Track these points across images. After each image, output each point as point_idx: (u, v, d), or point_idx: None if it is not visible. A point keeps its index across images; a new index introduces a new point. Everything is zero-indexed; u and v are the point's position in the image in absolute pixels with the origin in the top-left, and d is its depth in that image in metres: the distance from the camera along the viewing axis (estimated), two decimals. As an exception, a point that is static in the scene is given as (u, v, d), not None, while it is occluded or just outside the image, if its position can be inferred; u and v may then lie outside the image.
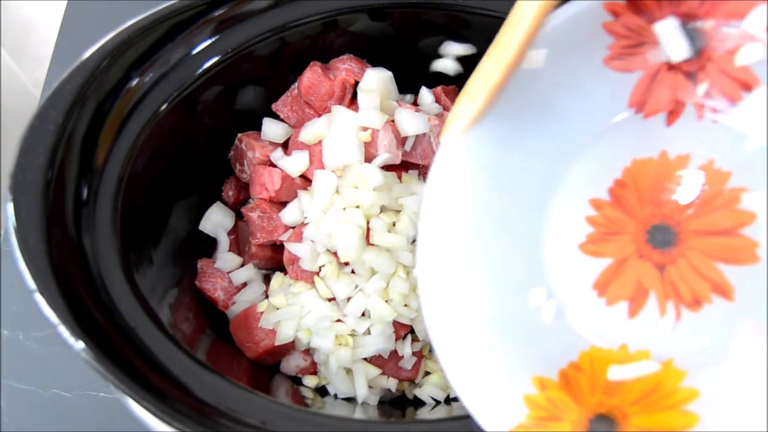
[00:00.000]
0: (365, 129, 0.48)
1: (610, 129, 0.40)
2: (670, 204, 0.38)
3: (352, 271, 0.48)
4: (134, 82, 0.44)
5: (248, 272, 0.50)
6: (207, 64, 0.47)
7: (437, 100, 0.52)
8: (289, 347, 0.48)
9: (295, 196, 0.49)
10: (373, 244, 0.47)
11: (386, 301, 0.47)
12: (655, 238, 0.38)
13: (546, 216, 0.40)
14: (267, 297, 0.50)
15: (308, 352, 0.49)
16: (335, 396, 0.48)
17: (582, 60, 0.39)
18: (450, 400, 0.49)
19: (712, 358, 0.35)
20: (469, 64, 0.53)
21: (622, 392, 0.35)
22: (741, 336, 0.35)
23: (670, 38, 0.37)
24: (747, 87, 0.37)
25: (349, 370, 0.48)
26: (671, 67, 0.38)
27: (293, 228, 0.49)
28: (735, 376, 0.35)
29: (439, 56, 0.52)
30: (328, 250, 0.47)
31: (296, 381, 0.49)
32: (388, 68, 0.51)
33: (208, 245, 0.52)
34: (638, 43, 0.38)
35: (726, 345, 0.35)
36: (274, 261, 0.50)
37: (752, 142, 0.37)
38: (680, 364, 0.36)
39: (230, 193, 0.53)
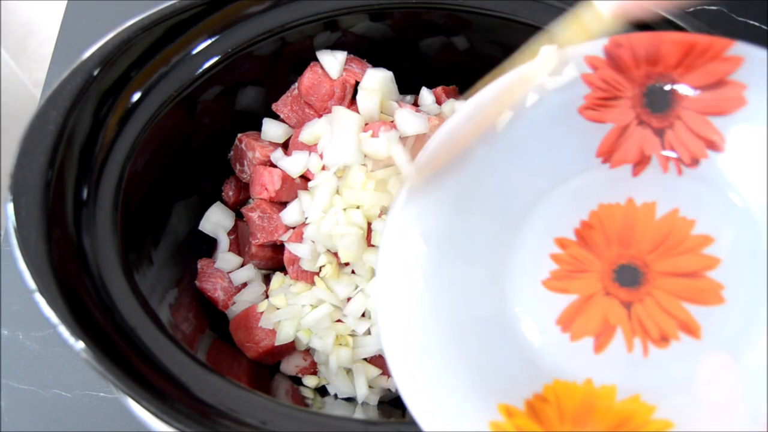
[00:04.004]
0: (366, 129, 0.48)
1: (577, 174, 0.41)
2: (637, 246, 0.39)
3: (353, 272, 0.48)
4: (134, 82, 0.44)
5: (248, 272, 0.50)
6: (207, 64, 0.46)
7: (438, 101, 0.52)
8: (289, 347, 0.48)
9: (296, 196, 0.49)
10: (374, 245, 0.47)
11: (386, 301, 0.47)
12: (622, 277, 0.39)
13: (510, 251, 0.40)
14: (267, 297, 0.50)
15: (308, 352, 0.49)
16: (335, 396, 0.48)
17: (558, 106, 0.41)
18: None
19: (680, 391, 0.36)
20: (467, 60, 0.53)
21: (592, 423, 0.36)
22: (708, 370, 0.36)
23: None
24: (712, 146, 0.39)
25: (349, 370, 0.48)
26: (641, 122, 0.40)
27: (293, 228, 0.49)
28: (704, 407, 0.35)
29: (439, 56, 0.52)
30: (328, 251, 0.47)
31: (296, 381, 0.49)
32: (389, 68, 0.51)
33: (208, 245, 0.52)
34: (613, 97, 0.40)
35: (694, 379, 0.36)
36: (274, 261, 0.50)
37: (716, 195, 0.39)
38: (648, 399, 0.36)
39: (230, 193, 0.53)
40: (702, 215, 0.39)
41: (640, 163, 0.40)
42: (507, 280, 0.40)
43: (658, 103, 0.40)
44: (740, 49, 0.38)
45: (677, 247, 0.38)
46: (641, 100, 0.40)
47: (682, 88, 0.39)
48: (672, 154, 0.40)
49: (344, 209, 0.47)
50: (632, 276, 0.39)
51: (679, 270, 0.38)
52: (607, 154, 0.41)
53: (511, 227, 0.41)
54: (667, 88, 0.39)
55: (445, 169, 0.40)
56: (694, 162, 0.39)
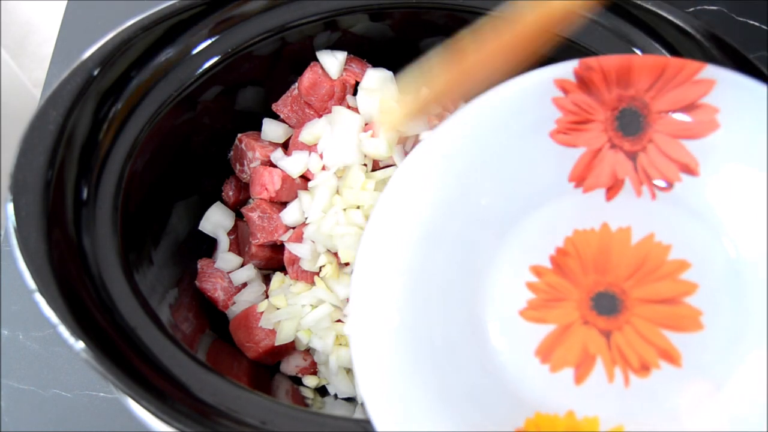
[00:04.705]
0: (366, 129, 0.48)
1: (550, 199, 0.40)
2: (614, 273, 0.39)
3: (353, 272, 0.48)
4: (134, 82, 0.44)
5: (248, 272, 0.50)
6: (207, 64, 0.46)
7: (437, 100, 0.52)
8: (289, 347, 0.48)
9: (296, 196, 0.49)
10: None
11: (386, 301, 0.47)
12: (600, 305, 0.38)
13: (485, 281, 0.40)
14: (267, 297, 0.50)
15: (308, 352, 0.49)
16: (335, 396, 0.48)
17: (529, 130, 0.40)
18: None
19: (663, 421, 0.35)
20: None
21: None
22: (691, 399, 0.36)
23: None
24: (686, 169, 0.39)
25: (349, 370, 0.48)
26: (613, 145, 0.40)
27: (293, 228, 0.49)
28: None
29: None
30: (328, 251, 0.47)
31: (296, 381, 0.49)
32: (389, 68, 0.51)
33: (208, 245, 0.52)
34: (585, 120, 0.40)
35: (677, 409, 0.36)
36: (274, 261, 0.50)
37: (691, 219, 0.39)
38: (631, 429, 0.35)
39: (230, 193, 0.53)
40: (678, 240, 0.38)
41: (614, 187, 0.40)
42: (484, 311, 0.39)
43: (630, 126, 0.40)
44: (712, 72, 0.38)
45: (654, 273, 0.38)
46: (613, 124, 0.40)
47: (654, 112, 0.39)
48: (645, 179, 0.40)
49: (344, 209, 0.47)
50: (610, 304, 0.38)
51: (657, 296, 0.38)
52: (580, 179, 0.40)
53: (484, 256, 0.40)
54: (639, 111, 0.39)
55: (413, 197, 0.39)
56: (669, 186, 0.39)
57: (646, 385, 0.36)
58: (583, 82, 0.39)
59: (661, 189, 0.39)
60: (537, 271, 0.39)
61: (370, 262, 0.38)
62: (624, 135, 0.40)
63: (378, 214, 0.39)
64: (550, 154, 0.40)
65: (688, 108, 0.38)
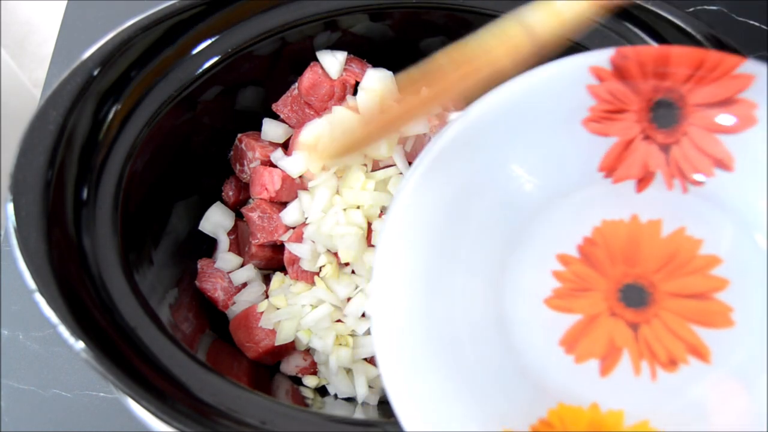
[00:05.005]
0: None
1: (579, 188, 0.40)
2: (643, 265, 0.38)
3: (353, 272, 0.48)
4: (134, 82, 0.44)
5: (248, 272, 0.50)
6: (207, 64, 0.46)
7: (437, 100, 0.52)
8: (289, 347, 0.48)
9: (296, 196, 0.49)
10: (374, 245, 0.47)
11: (386, 301, 0.47)
12: (628, 297, 0.38)
13: (510, 267, 0.39)
14: (267, 297, 0.50)
15: (308, 352, 0.49)
16: (335, 396, 0.48)
17: (561, 116, 0.39)
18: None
19: (690, 419, 0.35)
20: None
21: None
22: (718, 396, 0.35)
23: None
24: (720, 164, 0.38)
25: (349, 370, 0.48)
26: (647, 137, 0.39)
27: (293, 228, 0.49)
28: None
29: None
30: (328, 251, 0.47)
31: (296, 381, 0.49)
32: (389, 68, 0.51)
33: (208, 245, 0.52)
34: (618, 110, 0.39)
35: (703, 406, 0.35)
36: (274, 261, 0.50)
37: (723, 215, 0.38)
38: (657, 425, 0.35)
39: (230, 193, 0.53)
40: (709, 235, 0.38)
41: (645, 179, 0.39)
42: (507, 296, 0.38)
43: (664, 118, 0.39)
44: (751, 67, 0.37)
45: (684, 267, 0.37)
46: (647, 115, 0.39)
47: (690, 105, 0.38)
48: (677, 173, 0.39)
49: (344, 209, 0.47)
50: (639, 296, 0.37)
51: (687, 291, 0.37)
52: (611, 169, 0.40)
53: (510, 241, 0.39)
54: (675, 103, 0.39)
55: (441, 174, 0.39)
56: (701, 180, 0.39)
57: (674, 381, 0.36)
58: (619, 71, 0.38)
59: (693, 183, 0.39)
60: (564, 259, 0.39)
61: (394, 232, 0.37)
62: (658, 127, 0.39)
63: (400, 199, 0.38)
64: (581, 142, 0.39)
65: (726, 103, 0.38)
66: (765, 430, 0.34)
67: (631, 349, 0.37)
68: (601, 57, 0.38)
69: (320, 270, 0.48)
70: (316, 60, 0.51)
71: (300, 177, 0.49)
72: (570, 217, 0.39)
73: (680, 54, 0.38)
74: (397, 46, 0.52)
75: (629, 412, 0.35)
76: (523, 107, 0.39)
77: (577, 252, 0.39)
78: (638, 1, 0.45)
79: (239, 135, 0.52)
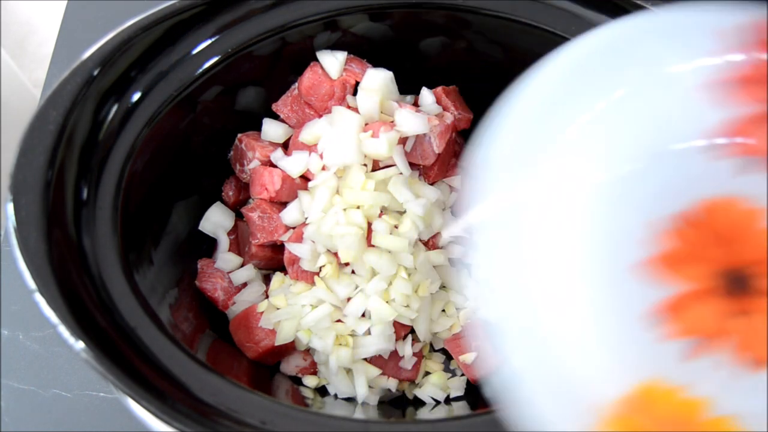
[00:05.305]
0: (366, 129, 0.48)
1: (690, 155, 0.34)
2: (756, 251, 0.33)
3: (353, 272, 0.48)
4: (134, 82, 0.44)
5: (248, 272, 0.50)
6: (207, 64, 0.47)
7: (438, 101, 0.52)
8: (289, 347, 0.48)
9: (296, 196, 0.49)
10: (374, 245, 0.47)
11: (387, 302, 0.47)
12: (731, 282, 0.33)
13: (593, 226, 0.34)
14: (267, 297, 0.50)
15: (308, 352, 0.49)
16: (335, 396, 0.48)
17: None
18: (450, 400, 0.49)
19: None
20: (467, 60, 0.53)
21: None
22: None
23: None
24: None
25: (349, 370, 0.48)
26: None
27: (293, 228, 0.49)
28: None
29: (439, 57, 0.52)
30: (328, 251, 0.47)
31: (296, 381, 0.49)
32: (389, 68, 0.51)
33: (208, 245, 0.52)
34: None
35: None
36: (274, 261, 0.50)
37: None
38: (746, 422, 0.32)
39: (230, 193, 0.53)
40: None
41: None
42: (589, 258, 0.33)
43: None
44: None
45: None
46: None
47: None
48: None
49: (344, 209, 0.47)
50: (743, 283, 0.33)
51: None
52: (730, 135, 0.33)
53: (600, 197, 0.33)
54: None
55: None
56: None
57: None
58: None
59: None
60: (659, 227, 0.34)
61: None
62: None
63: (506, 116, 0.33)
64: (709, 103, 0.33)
65: None
66: None
67: (729, 336, 0.32)
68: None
69: (320, 270, 0.48)
70: (316, 60, 0.51)
71: (300, 177, 0.49)
72: (674, 183, 0.34)
73: None
74: (397, 46, 0.52)
75: (719, 403, 0.32)
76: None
77: (678, 221, 0.33)
78: (638, 1, 0.45)
79: (239, 135, 0.52)
